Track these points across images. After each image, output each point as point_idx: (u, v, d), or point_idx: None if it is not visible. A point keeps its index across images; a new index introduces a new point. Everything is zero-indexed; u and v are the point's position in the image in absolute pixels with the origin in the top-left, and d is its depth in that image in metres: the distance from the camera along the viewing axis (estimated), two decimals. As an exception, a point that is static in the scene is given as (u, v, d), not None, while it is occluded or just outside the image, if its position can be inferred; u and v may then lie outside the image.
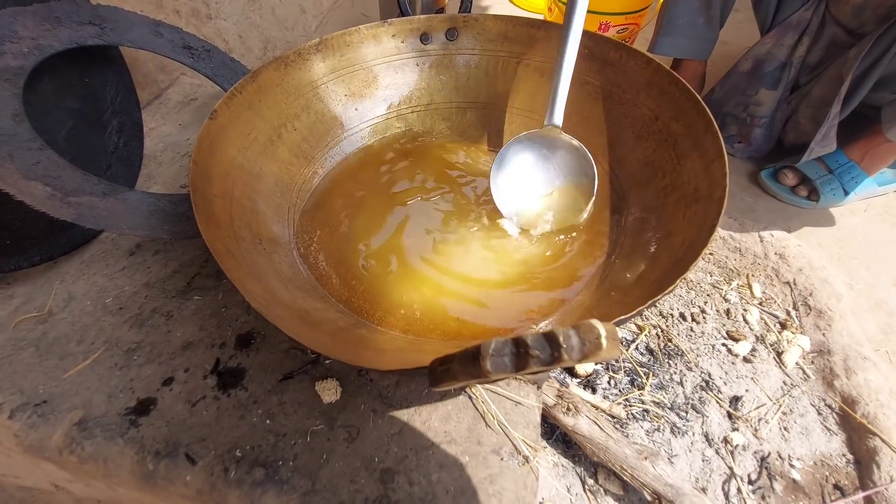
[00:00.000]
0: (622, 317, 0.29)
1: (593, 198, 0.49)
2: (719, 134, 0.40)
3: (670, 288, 0.30)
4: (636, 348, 0.56)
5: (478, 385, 0.41)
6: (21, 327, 0.45)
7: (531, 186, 0.52)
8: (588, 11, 1.07)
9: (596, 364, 0.54)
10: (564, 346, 0.19)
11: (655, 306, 0.60)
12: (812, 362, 0.57)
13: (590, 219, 0.50)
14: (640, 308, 0.29)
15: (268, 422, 0.39)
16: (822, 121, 0.75)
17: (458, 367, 0.20)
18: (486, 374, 0.19)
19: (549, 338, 0.19)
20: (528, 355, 0.19)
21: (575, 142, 0.50)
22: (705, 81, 1.02)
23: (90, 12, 0.54)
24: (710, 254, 0.68)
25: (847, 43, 0.78)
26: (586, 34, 0.54)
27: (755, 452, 0.49)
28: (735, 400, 0.53)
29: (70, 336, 0.44)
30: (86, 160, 0.52)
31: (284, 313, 0.36)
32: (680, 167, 0.44)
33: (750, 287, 0.63)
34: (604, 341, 0.18)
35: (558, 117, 0.50)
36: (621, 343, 0.56)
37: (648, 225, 0.44)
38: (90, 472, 0.39)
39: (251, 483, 0.35)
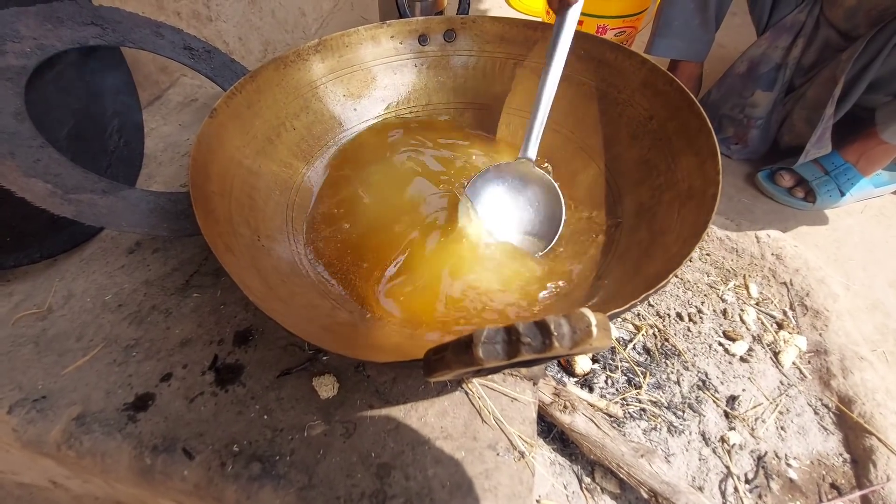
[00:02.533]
0: (616, 310, 0.29)
1: (556, 237, 0.48)
2: (713, 133, 0.40)
3: (662, 283, 0.30)
4: (633, 348, 0.56)
5: (474, 378, 0.41)
6: (21, 324, 0.45)
7: (498, 217, 0.50)
8: (585, 15, 1.09)
9: (593, 362, 0.54)
10: (556, 333, 0.19)
11: (651, 304, 0.60)
12: (809, 362, 0.57)
13: (587, 218, 0.51)
14: (633, 302, 0.30)
15: (265, 417, 0.39)
16: (816, 123, 0.76)
17: (452, 356, 0.20)
18: (479, 361, 0.19)
19: (541, 326, 0.19)
20: (519, 343, 0.19)
21: (547, 178, 0.49)
22: (702, 83, 1.03)
23: (92, 13, 0.54)
24: (707, 254, 0.68)
25: (840, 45, 0.79)
26: (582, 35, 0.54)
27: (752, 451, 0.49)
28: (732, 399, 0.53)
29: (69, 333, 0.45)
30: (86, 159, 0.52)
31: (282, 308, 0.36)
32: (675, 166, 0.44)
33: (747, 287, 0.64)
34: (594, 329, 0.19)
35: (532, 151, 0.49)
36: (619, 342, 0.56)
37: (643, 222, 0.44)
38: (88, 468, 0.39)
39: (248, 477, 0.36)
